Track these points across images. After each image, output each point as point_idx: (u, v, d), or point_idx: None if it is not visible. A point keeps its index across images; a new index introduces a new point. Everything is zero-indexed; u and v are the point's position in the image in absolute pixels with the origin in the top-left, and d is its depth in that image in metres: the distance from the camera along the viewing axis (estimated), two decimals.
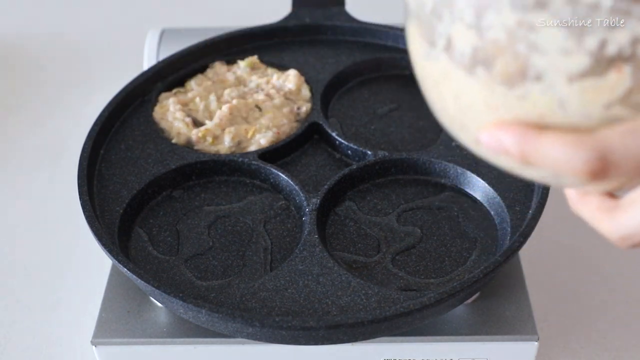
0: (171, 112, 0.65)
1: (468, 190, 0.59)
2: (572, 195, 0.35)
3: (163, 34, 0.78)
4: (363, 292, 0.51)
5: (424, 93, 0.36)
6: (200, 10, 1.08)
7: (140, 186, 0.59)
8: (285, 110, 0.65)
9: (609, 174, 0.30)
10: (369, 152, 0.60)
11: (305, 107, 0.66)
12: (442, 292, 0.48)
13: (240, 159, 0.60)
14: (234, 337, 0.54)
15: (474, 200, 0.59)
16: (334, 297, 0.51)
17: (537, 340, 0.55)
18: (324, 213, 0.57)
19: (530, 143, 0.31)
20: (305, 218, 0.56)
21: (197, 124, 0.64)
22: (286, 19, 0.74)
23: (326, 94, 0.68)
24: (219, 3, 1.09)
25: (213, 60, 0.71)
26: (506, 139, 0.31)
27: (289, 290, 0.51)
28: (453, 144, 0.61)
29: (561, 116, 0.30)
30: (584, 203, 0.34)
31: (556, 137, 0.30)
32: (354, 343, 0.54)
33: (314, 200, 0.57)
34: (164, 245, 0.56)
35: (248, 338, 0.50)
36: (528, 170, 0.33)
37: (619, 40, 0.28)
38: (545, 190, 0.55)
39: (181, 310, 0.50)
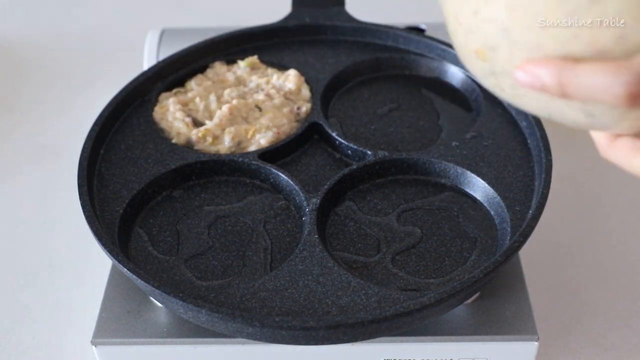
0: (171, 112, 0.65)
1: (468, 190, 0.59)
2: (602, 142, 0.36)
3: (163, 34, 0.78)
4: (363, 292, 0.51)
5: (456, 47, 0.37)
6: (200, 10, 1.08)
7: (140, 186, 0.59)
8: (285, 110, 0.65)
9: None
10: (369, 152, 0.60)
11: (305, 107, 0.66)
12: (442, 292, 0.48)
13: (240, 159, 0.60)
14: (234, 337, 0.54)
15: (474, 200, 0.59)
16: (334, 297, 0.51)
17: (537, 340, 0.55)
18: (324, 213, 0.57)
19: (569, 73, 0.31)
20: (305, 218, 0.56)
21: (197, 124, 0.64)
22: (286, 19, 0.74)
23: (326, 94, 0.68)
24: (219, 3, 1.09)
25: (213, 60, 0.71)
26: (543, 73, 0.32)
27: (289, 290, 0.51)
28: (453, 143, 0.61)
29: (597, 50, 0.31)
30: (614, 147, 0.35)
31: (594, 64, 0.31)
32: (354, 343, 0.54)
33: (314, 200, 0.57)
34: (164, 245, 0.56)
35: (248, 338, 0.50)
36: (560, 108, 0.33)
37: None
38: (545, 190, 0.55)
39: (181, 310, 0.50)
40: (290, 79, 0.67)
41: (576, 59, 0.32)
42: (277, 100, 0.66)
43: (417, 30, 0.75)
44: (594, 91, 0.31)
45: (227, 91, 0.66)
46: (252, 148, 0.62)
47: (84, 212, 0.54)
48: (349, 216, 0.58)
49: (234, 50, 0.72)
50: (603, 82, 0.31)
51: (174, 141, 0.63)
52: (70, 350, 0.63)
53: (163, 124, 0.65)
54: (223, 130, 0.63)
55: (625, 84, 0.30)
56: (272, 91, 0.66)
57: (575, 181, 0.76)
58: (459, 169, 0.59)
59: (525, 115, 0.61)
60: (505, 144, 0.61)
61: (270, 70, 0.70)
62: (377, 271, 0.54)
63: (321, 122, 0.64)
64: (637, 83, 0.30)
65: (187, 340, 0.55)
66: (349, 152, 0.62)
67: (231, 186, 0.61)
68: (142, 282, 0.50)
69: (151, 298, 0.57)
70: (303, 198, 0.57)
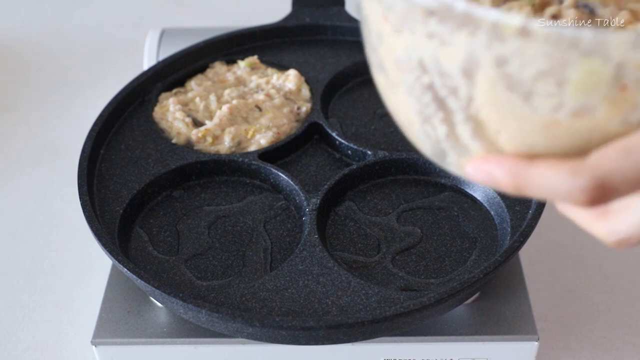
0: (171, 112, 0.65)
1: (468, 190, 0.59)
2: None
3: (163, 34, 0.78)
4: (363, 292, 0.51)
5: (399, 123, 0.36)
6: (200, 10, 1.08)
7: (140, 186, 0.59)
8: (285, 110, 0.65)
9: (609, 198, 0.29)
10: (369, 152, 0.60)
11: (305, 107, 0.66)
12: (442, 292, 0.48)
13: (240, 159, 0.61)
14: (234, 337, 0.54)
15: (474, 200, 0.59)
16: (334, 297, 0.51)
17: (537, 340, 0.55)
18: (324, 213, 0.57)
19: (523, 174, 0.30)
20: (305, 218, 0.56)
21: (197, 124, 0.64)
22: (286, 19, 0.74)
23: (326, 94, 0.68)
24: (219, 3, 1.09)
25: (213, 60, 0.71)
26: (496, 172, 0.30)
27: (289, 290, 0.51)
28: None
29: (551, 146, 0.30)
30: (573, 209, 0.33)
31: (549, 166, 0.29)
32: (354, 343, 0.54)
33: (314, 200, 0.57)
34: (164, 245, 0.56)
35: (248, 338, 0.50)
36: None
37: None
38: None
39: (181, 310, 0.50)
40: (290, 79, 0.67)
41: (530, 155, 0.30)
42: (277, 100, 0.66)
43: None
44: (552, 194, 0.29)
45: (227, 91, 0.66)
46: (252, 148, 0.62)
47: (84, 212, 0.54)
48: (349, 216, 0.58)
49: (234, 50, 0.72)
50: (561, 185, 0.29)
51: (174, 141, 0.63)
52: (70, 350, 0.63)
53: (163, 124, 0.65)
54: (223, 130, 0.63)
55: (584, 190, 0.28)
56: (272, 91, 0.66)
57: None
58: None
59: None
60: None
61: (270, 70, 0.70)
62: (377, 271, 0.54)
63: (321, 122, 0.64)
64: (596, 188, 0.28)
65: (187, 340, 0.55)
66: (349, 152, 0.62)
67: (231, 186, 0.61)
68: (142, 282, 0.50)
69: (151, 298, 0.57)
70: (303, 198, 0.57)
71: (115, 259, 0.51)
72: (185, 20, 1.05)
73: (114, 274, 0.60)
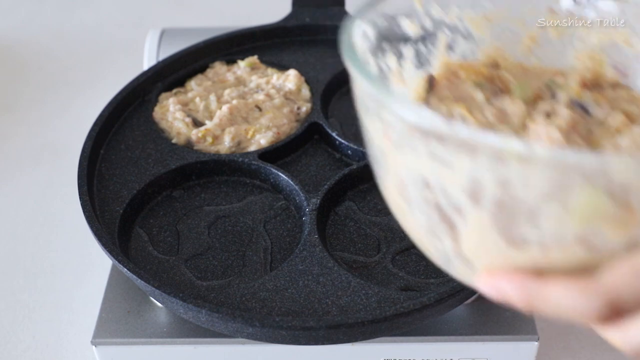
0: (171, 112, 0.65)
1: None
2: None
3: (163, 34, 0.78)
4: (363, 292, 0.51)
5: (406, 230, 0.35)
6: (200, 10, 1.08)
7: (140, 186, 0.59)
8: (285, 110, 0.65)
9: (621, 317, 0.29)
10: None
11: (305, 107, 0.66)
12: (442, 292, 0.48)
13: (240, 159, 0.61)
14: (234, 337, 0.54)
15: None
16: (334, 297, 0.51)
17: (537, 340, 0.55)
18: (324, 213, 0.57)
19: (534, 292, 0.30)
20: (305, 218, 0.56)
21: (197, 124, 0.64)
22: (286, 19, 0.74)
23: (326, 94, 0.68)
24: (219, 3, 1.09)
25: (213, 60, 0.71)
26: (507, 288, 0.31)
27: (289, 290, 0.51)
28: None
29: (560, 264, 0.30)
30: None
31: (560, 285, 0.29)
32: (354, 343, 0.54)
33: (314, 200, 0.57)
34: (164, 245, 0.56)
35: (248, 338, 0.50)
36: None
37: None
38: None
39: (181, 310, 0.50)
40: (290, 79, 0.67)
41: (540, 272, 0.30)
42: (277, 100, 0.66)
43: None
44: (563, 311, 0.30)
45: (227, 91, 0.66)
46: (252, 148, 0.62)
47: (84, 212, 0.54)
48: (349, 216, 0.58)
49: (234, 50, 0.72)
50: (573, 305, 0.29)
51: (174, 141, 0.63)
52: (70, 350, 0.63)
53: (163, 124, 0.65)
54: (223, 130, 0.63)
55: (594, 309, 0.29)
56: (272, 91, 0.66)
57: None
58: None
59: None
60: None
61: (270, 70, 0.70)
62: (377, 271, 0.54)
63: (321, 122, 0.64)
64: (607, 307, 0.29)
65: (187, 340, 0.55)
66: (349, 152, 0.62)
67: (231, 186, 0.61)
68: (142, 282, 0.50)
69: (151, 298, 0.57)
70: (303, 198, 0.57)
71: (115, 259, 0.51)
72: (185, 20, 1.05)
73: (114, 274, 0.60)
